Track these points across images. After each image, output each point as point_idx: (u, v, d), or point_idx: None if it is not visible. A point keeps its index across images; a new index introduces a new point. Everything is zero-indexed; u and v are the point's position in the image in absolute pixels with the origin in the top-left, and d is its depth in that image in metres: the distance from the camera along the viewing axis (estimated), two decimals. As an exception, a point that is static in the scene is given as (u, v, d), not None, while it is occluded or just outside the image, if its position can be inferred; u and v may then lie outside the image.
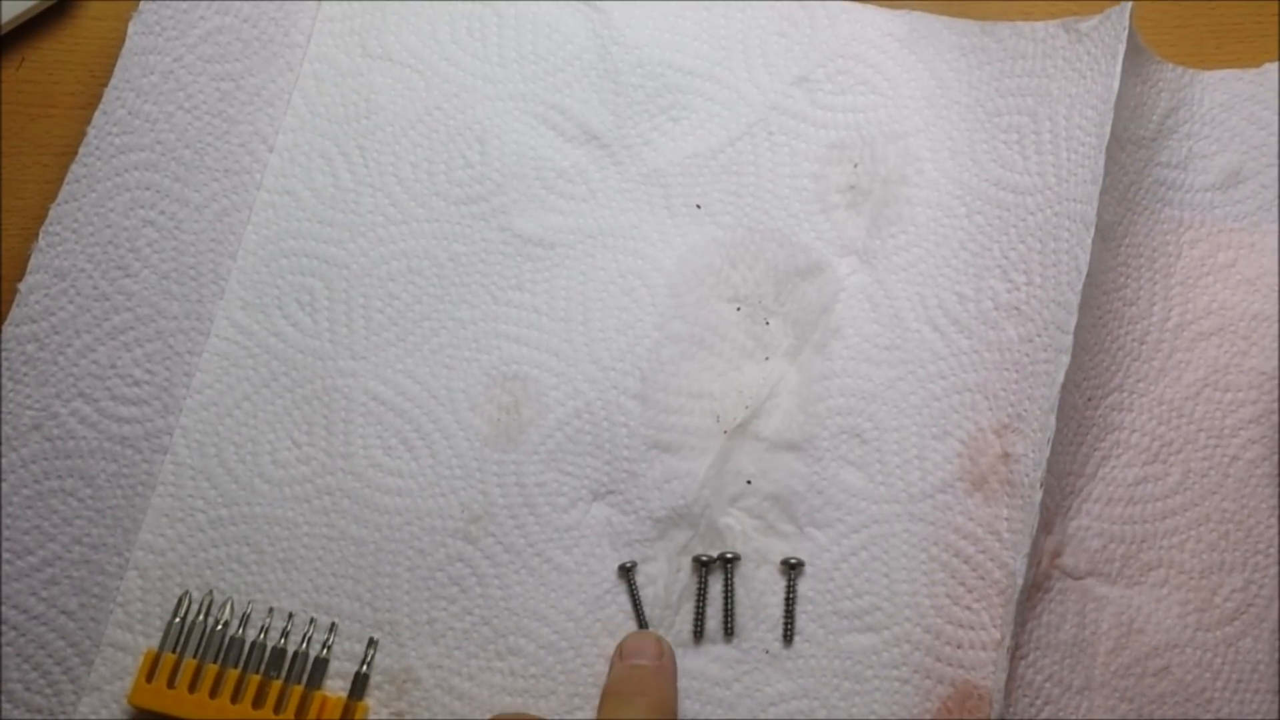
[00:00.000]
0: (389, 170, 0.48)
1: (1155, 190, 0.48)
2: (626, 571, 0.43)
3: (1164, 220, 0.48)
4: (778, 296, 0.47)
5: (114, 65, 0.46)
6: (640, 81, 0.50)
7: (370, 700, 0.42)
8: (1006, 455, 0.43)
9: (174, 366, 0.45)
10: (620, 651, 0.42)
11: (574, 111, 0.49)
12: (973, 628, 0.42)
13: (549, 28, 0.50)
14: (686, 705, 0.42)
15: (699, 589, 0.43)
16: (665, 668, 0.41)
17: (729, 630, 0.43)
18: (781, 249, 0.47)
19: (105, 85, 0.45)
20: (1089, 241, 0.43)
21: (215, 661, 0.42)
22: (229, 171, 0.48)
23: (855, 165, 0.48)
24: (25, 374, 0.43)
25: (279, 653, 0.42)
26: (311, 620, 0.43)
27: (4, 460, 0.42)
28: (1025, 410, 0.43)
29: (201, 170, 0.47)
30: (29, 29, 0.50)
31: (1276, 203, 0.48)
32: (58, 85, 0.50)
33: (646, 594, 0.43)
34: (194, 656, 0.42)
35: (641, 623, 0.43)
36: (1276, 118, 0.49)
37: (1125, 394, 0.45)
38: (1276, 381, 0.46)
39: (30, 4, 0.49)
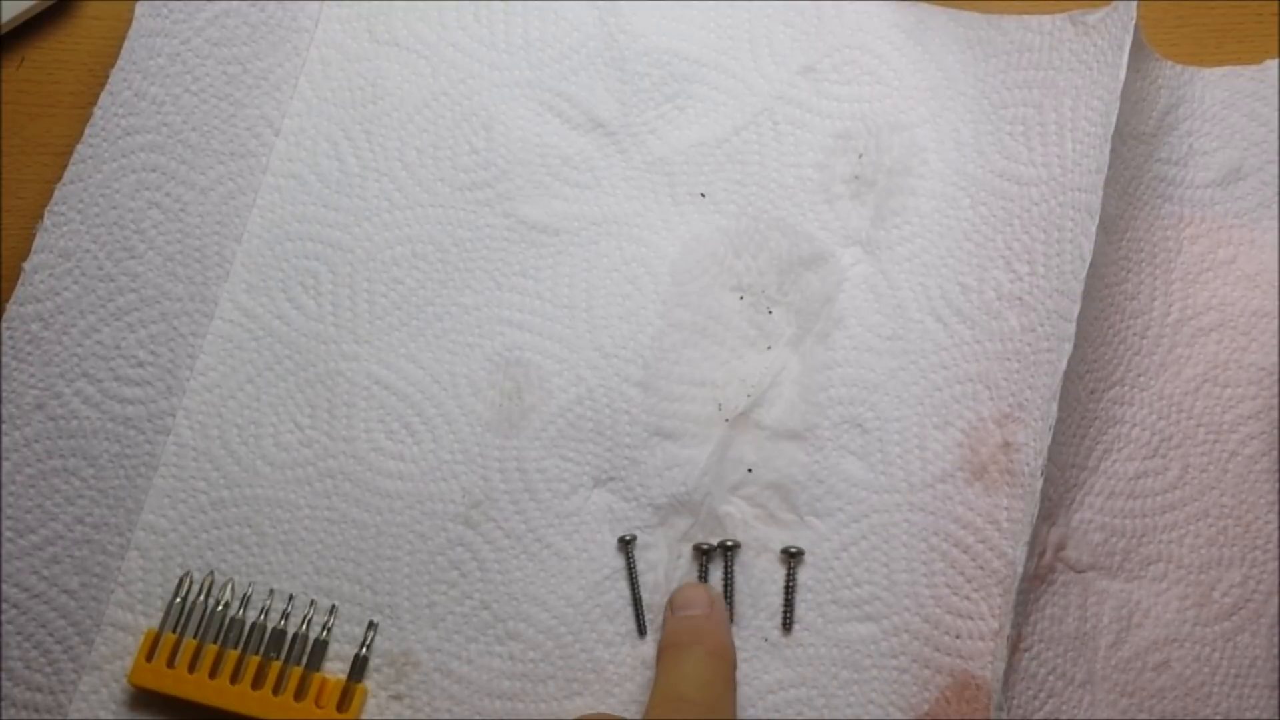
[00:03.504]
0: (394, 156, 0.49)
1: (1155, 186, 0.48)
2: (625, 544, 0.43)
3: (1164, 216, 0.48)
4: (781, 286, 0.47)
5: (113, 65, 0.46)
6: (646, 70, 0.50)
7: (369, 683, 0.42)
8: (1007, 445, 0.43)
9: (178, 348, 0.45)
10: (671, 605, 0.42)
11: (580, 99, 0.49)
12: (972, 618, 0.42)
13: (556, 15, 0.50)
14: (685, 692, 0.42)
15: (699, 576, 0.43)
16: (717, 614, 0.41)
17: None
18: (785, 238, 0.47)
19: (105, 85, 0.45)
20: (1093, 230, 0.43)
21: (215, 642, 0.42)
22: (235, 155, 0.48)
23: (860, 156, 0.49)
24: (29, 353, 0.43)
25: (279, 634, 0.42)
26: (312, 602, 0.43)
27: (7, 439, 0.42)
28: (1027, 399, 0.43)
29: (207, 153, 0.47)
30: (29, 29, 0.50)
31: (1277, 199, 0.48)
32: (58, 85, 0.50)
33: (646, 580, 0.43)
34: (194, 637, 0.42)
35: (637, 596, 0.43)
36: (1277, 114, 0.49)
37: (1126, 388, 0.45)
38: (1276, 377, 0.46)
39: (30, 4, 0.49)
